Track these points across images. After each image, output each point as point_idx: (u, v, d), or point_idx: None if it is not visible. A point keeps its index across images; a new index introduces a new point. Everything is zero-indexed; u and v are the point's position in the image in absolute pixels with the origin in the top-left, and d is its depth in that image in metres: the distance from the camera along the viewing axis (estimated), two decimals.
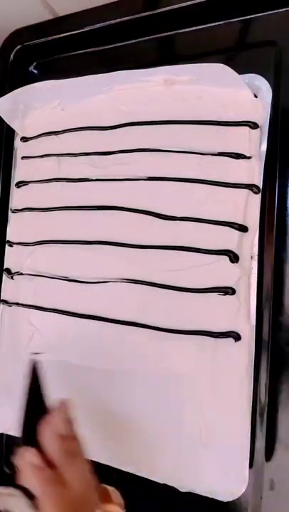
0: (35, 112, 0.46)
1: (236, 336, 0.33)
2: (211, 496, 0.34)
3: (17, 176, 0.47)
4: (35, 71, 0.49)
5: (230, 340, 0.34)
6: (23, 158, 0.46)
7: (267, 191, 0.35)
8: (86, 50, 0.45)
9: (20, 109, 0.46)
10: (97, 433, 0.39)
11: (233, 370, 0.33)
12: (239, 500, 0.33)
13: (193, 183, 0.36)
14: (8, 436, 0.44)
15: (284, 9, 0.35)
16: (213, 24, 0.38)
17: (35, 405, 0.31)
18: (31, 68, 0.48)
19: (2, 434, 0.44)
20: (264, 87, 0.35)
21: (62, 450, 0.27)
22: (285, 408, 0.33)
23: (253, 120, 0.35)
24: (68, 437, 0.28)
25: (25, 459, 0.27)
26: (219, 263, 0.34)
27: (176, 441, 0.35)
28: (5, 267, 0.46)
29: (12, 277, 0.45)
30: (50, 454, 0.27)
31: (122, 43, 0.43)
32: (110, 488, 0.31)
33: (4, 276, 0.46)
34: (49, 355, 0.42)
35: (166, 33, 0.41)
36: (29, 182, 0.45)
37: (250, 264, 0.34)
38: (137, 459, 0.37)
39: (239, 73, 0.34)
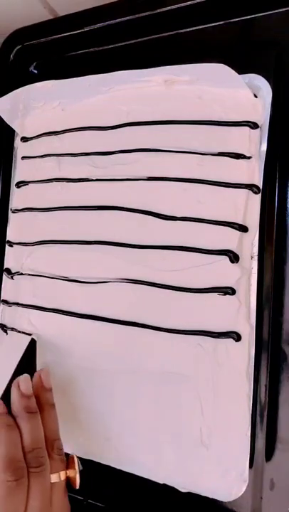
0: (35, 112, 0.46)
1: (236, 336, 0.33)
2: (211, 496, 0.34)
3: (17, 176, 0.47)
4: (35, 71, 0.49)
5: (231, 340, 0.34)
6: (23, 158, 0.46)
7: (267, 191, 0.35)
8: (86, 50, 0.45)
9: (20, 109, 0.46)
10: (96, 433, 0.39)
11: (233, 370, 0.33)
12: (239, 500, 0.33)
13: (193, 183, 0.36)
14: None
15: (284, 9, 0.35)
16: (213, 24, 0.38)
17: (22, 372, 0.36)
18: (31, 68, 0.48)
19: None
20: (264, 87, 0.35)
21: (21, 406, 0.33)
22: (285, 408, 0.33)
23: (253, 120, 0.35)
24: (29, 396, 0.34)
25: None
26: (219, 263, 0.34)
27: (176, 441, 0.35)
28: (5, 267, 0.46)
29: (12, 277, 0.45)
30: (13, 408, 0.33)
31: (122, 43, 0.43)
32: (71, 455, 0.35)
33: (4, 277, 0.46)
34: (49, 355, 0.42)
35: (166, 33, 0.41)
36: (29, 182, 0.45)
37: (250, 264, 0.34)
38: (137, 459, 0.37)
39: (239, 73, 0.34)
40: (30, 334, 0.42)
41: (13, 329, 0.44)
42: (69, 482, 0.34)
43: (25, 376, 0.35)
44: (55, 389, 0.41)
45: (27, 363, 0.39)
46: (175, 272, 0.36)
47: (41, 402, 0.34)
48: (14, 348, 0.41)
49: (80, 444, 0.39)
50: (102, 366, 0.39)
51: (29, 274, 0.44)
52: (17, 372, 0.37)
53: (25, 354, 0.39)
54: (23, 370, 0.37)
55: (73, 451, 0.40)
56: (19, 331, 0.44)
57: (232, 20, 0.37)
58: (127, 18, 0.41)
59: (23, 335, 0.42)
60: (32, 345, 0.40)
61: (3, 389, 0.36)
